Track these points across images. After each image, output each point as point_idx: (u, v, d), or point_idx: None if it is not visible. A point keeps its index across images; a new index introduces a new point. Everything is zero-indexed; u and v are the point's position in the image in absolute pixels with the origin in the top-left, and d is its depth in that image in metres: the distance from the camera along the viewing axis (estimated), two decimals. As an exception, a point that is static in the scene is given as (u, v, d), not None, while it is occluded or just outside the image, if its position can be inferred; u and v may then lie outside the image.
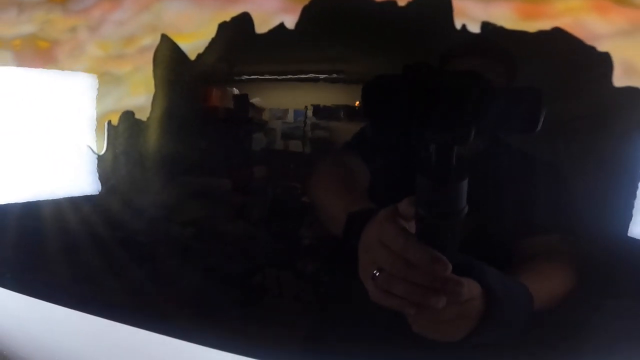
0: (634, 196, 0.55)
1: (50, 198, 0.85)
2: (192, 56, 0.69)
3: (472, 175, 0.44)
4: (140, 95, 0.71)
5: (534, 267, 0.58)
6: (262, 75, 0.69)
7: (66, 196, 0.83)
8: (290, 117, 0.70)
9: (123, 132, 0.71)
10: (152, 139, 0.70)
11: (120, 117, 0.72)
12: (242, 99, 0.69)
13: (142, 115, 0.71)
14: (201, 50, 0.68)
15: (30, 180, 0.86)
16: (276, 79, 0.68)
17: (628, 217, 0.55)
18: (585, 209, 0.59)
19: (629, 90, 0.53)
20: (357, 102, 0.64)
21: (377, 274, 0.48)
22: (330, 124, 0.68)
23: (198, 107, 0.70)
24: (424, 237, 0.46)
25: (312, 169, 0.69)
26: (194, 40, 0.69)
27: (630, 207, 0.55)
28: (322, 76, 0.65)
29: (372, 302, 0.50)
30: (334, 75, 0.65)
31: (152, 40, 0.71)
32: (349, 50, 0.63)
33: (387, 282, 0.48)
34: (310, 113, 0.68)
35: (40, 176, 0.85)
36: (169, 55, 0.69)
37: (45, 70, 0.78)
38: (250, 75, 0.69)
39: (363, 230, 0.52)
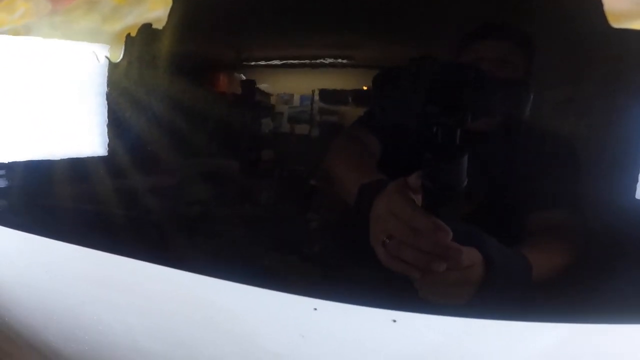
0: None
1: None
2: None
3: (480, 152, 0.50)
4: (158, 10, 0.81)
5: (537, 241, 0.62)
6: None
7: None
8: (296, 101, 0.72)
9: (139, 40, 0.79)
10: (165, 43, 0.78)
11: (139, 29, 0.80)
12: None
13: (159, 25, 0.79)
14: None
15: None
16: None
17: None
18: (591, 184, 0.61)
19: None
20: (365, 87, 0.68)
21: (387, 241, 0.54)
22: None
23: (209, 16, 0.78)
24: (429, 207, 0.53)
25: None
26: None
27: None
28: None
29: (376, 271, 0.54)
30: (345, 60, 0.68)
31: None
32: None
33: (396, 248, 0.53)
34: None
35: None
36: (187, -25, 0.80)
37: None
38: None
39: (374, 200, 0.57)
